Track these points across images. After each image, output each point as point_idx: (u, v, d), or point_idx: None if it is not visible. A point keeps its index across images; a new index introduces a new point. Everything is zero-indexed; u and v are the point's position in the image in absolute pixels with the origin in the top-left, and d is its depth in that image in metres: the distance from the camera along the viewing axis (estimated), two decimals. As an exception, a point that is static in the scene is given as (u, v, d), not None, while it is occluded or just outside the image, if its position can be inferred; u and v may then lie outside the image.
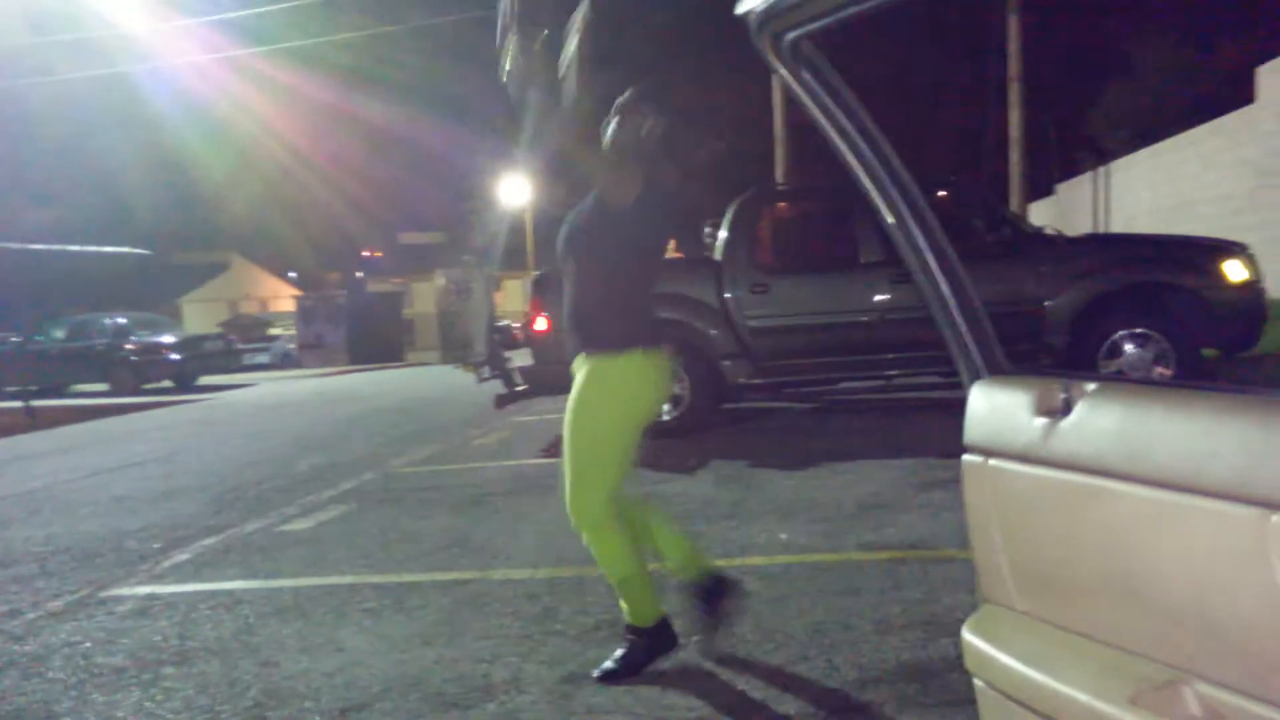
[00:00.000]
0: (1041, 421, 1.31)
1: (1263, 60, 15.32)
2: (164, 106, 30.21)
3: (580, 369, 2.82)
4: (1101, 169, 24.05)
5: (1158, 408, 1.17)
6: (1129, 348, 6.70)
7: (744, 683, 2.81)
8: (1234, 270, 6.77)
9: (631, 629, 2.91)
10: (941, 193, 7.68)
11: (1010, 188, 16.47)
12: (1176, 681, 1.14)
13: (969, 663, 1.47)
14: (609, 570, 2.87)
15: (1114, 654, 1.22)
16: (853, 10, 1.32)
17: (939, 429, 6.85)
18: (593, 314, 2.79)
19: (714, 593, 2.95)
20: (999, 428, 1.39)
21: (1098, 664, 1.23)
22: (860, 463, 5.83)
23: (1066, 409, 1.28)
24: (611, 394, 2.75)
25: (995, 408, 1.41)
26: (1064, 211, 25.83)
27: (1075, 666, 1.25)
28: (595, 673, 2.91)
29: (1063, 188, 28.00)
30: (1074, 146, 31.06)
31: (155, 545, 5.09)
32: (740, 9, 1.46)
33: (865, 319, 7.09)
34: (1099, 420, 1.23)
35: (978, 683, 1.46)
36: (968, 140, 30.77)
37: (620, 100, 2.83)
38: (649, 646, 2.90)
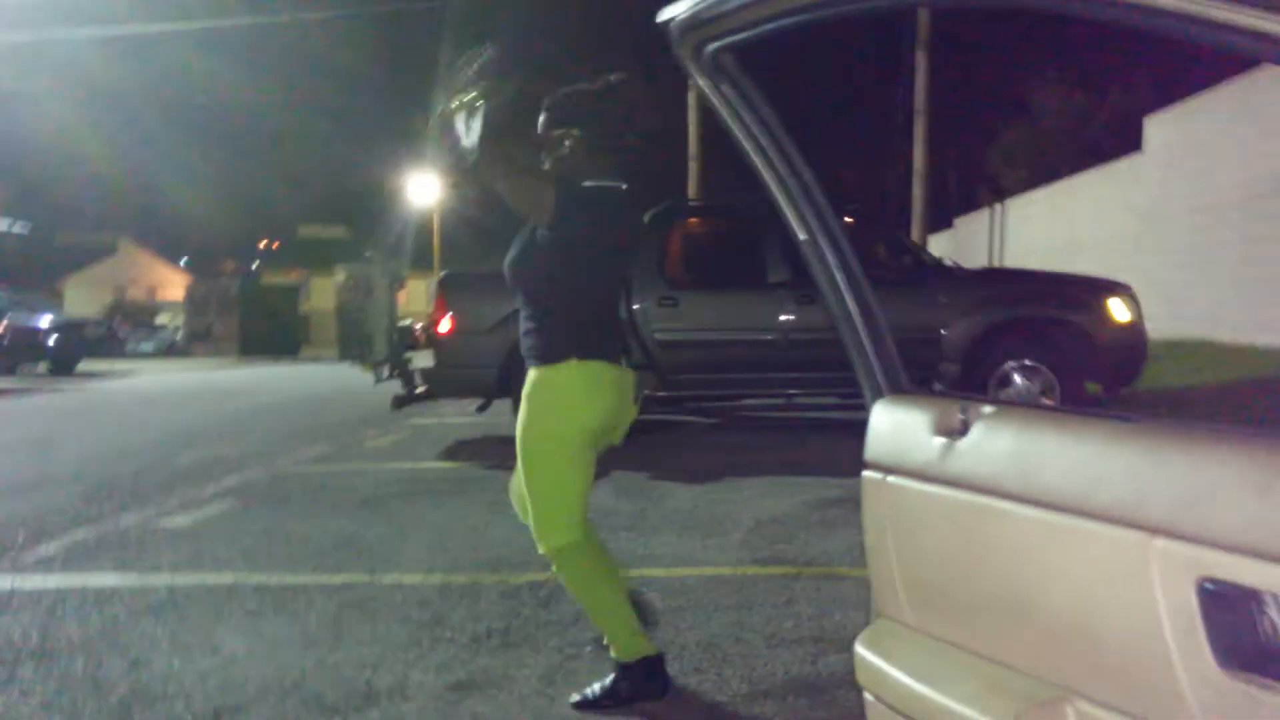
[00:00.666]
0: (939, 441, 1.33)
1: (1151, 109, 16.22)
2: (58, 76, 28.73)
3: (526, 386, 2.70)
4: (998, 205, 25.07)
5: (1051, 432, 1.20)
6: (1018, 378, 6.96)
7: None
8: (1118, 309, 7.11)
9: (616, 663, 2.70)
10: (847, 218, 7.87)
11: (913, 218, 17.00)
12: (1060, 700, 1.17)
13: (860, 676, 1.48)
14: (580, 597, 2.70)
15: (1000, 671, 1.25)
16: (772, 26, 1.33)
17: (837, 450, 6.98)
18: (534, 328, 2.70)
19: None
20: (898, 446, 1.41)
21: (984, 680, 1.25)
22: (759, 479, 5.89)
23: (964, 430, 1.30)
24: (553, 404, 2.62)
25: (896, 426, 1.43)
26: (961, 244, 26.83)
27: (963, 682, 1.27)
28: (573, 697, 2.72)
29: (961, 221, 29.09)
30: (973, 181, 32.30)
31: (19, 537, 4.80)
32: (662, 16, 1.45)
33: (770, 338, 7.19)
34: (994, 442, 1.25)
35: (868, 696, 1.47)
36: (872, 169, 31.70)
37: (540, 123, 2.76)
38: (633, 685, 2.68)
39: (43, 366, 17.33)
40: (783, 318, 7.19)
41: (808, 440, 7.57)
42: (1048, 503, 1.16)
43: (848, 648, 3.06)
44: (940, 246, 24.66)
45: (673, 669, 2.95)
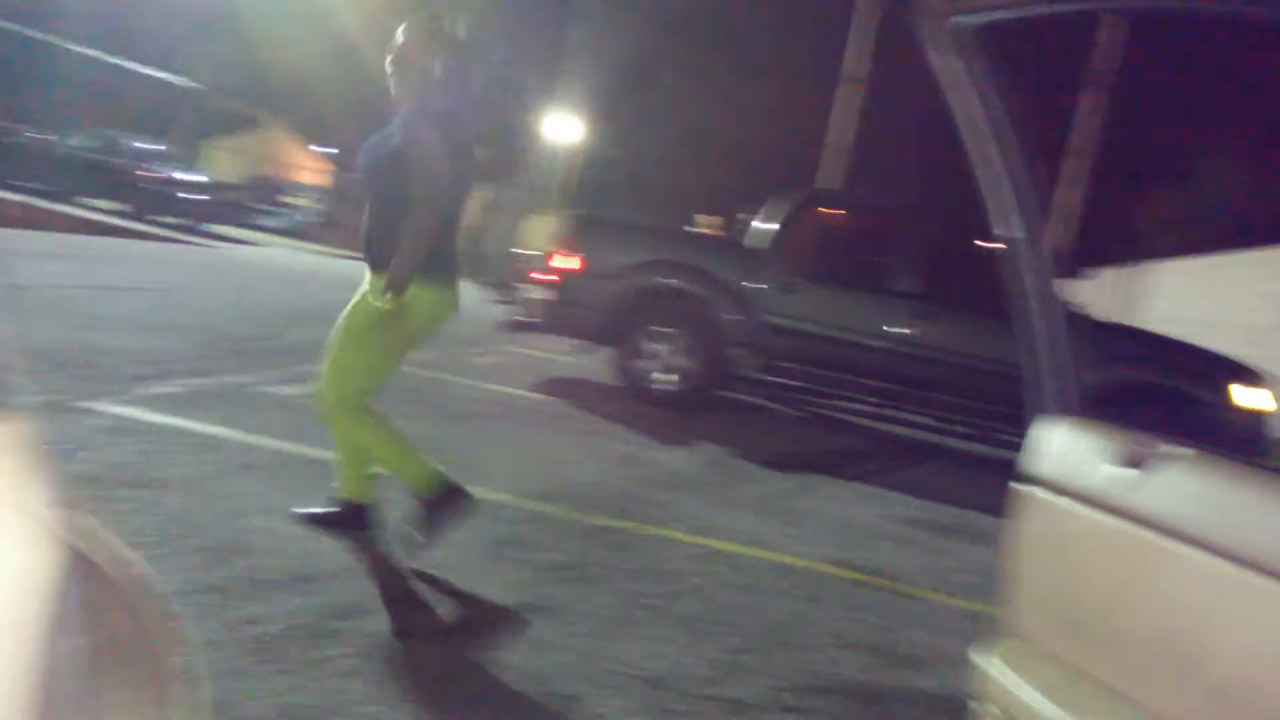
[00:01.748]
0: (1116, 470, 1.28)
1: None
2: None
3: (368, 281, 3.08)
4: (1131, 265, 24.01)
5: (1245, 483, 1.15)
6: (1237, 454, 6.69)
7: (693, 659, 2.80)
8: (1248, 396, 6.77)
9: (422, 501, 3.10)
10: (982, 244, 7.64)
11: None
12: None
13: (977, 686, 1.45)
14: (375, 451, 3.13)
15: (1135, 710, 1.21)
16: (1024, 12, 1.28)
17: (922, 471, 6.89)
18: (381, 237, 3.02)
19: (444, 502, 3.14)
20: (1069, 467, 1.37)
21: (1115, 716, 1.21)
22: (842, 482, 5.82)
23: (1140, 462, 1.26)
24: (387, 312, 2.95)
25: (1068, 447, 1.38)
26: (1085, 297, 25.78)
27: (1091, 712, 1.23)
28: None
29: (1091, 273, 27.94)
30: (1111, 237, 30.93)
31: (137, 371, 5.05)
32: None
33: (882, 345, 7.06)
34: (1177, 481, 1.20)
35: (976, 706, 1.44)
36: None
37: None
38: (443, 512, 3.11)
39: (173, 219, 18.11)
40: (900, 329, 7.04)
41: (895, 455, 7.44)
42: (1230, 554, 1.11)
43: (909, 665, 3.05)
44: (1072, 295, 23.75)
45: (731, 642, 2.96)
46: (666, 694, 2.53)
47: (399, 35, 3.04)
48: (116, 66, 20.20)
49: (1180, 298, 20.36)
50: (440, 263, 3.02)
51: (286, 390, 5.32)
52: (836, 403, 7.76)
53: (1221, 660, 1.13)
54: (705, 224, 9.19)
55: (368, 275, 3.12)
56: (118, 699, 0.49)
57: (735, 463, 5.82)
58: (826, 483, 5.72)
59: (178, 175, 18.19)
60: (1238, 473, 1.19)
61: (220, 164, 31.55)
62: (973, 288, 6.98)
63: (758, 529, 4.39)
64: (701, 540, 3.98)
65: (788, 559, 4.00)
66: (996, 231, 1.46)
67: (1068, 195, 17.15)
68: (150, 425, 4.09)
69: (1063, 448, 1.40)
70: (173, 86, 20.14)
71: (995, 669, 1.43)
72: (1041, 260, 1.43)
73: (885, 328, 7.06)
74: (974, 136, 1.42)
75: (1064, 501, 1.37)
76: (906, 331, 7.02)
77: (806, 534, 4.47)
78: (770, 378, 7.25)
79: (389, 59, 3.04)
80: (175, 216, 18.06)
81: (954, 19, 1.38)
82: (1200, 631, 1.15)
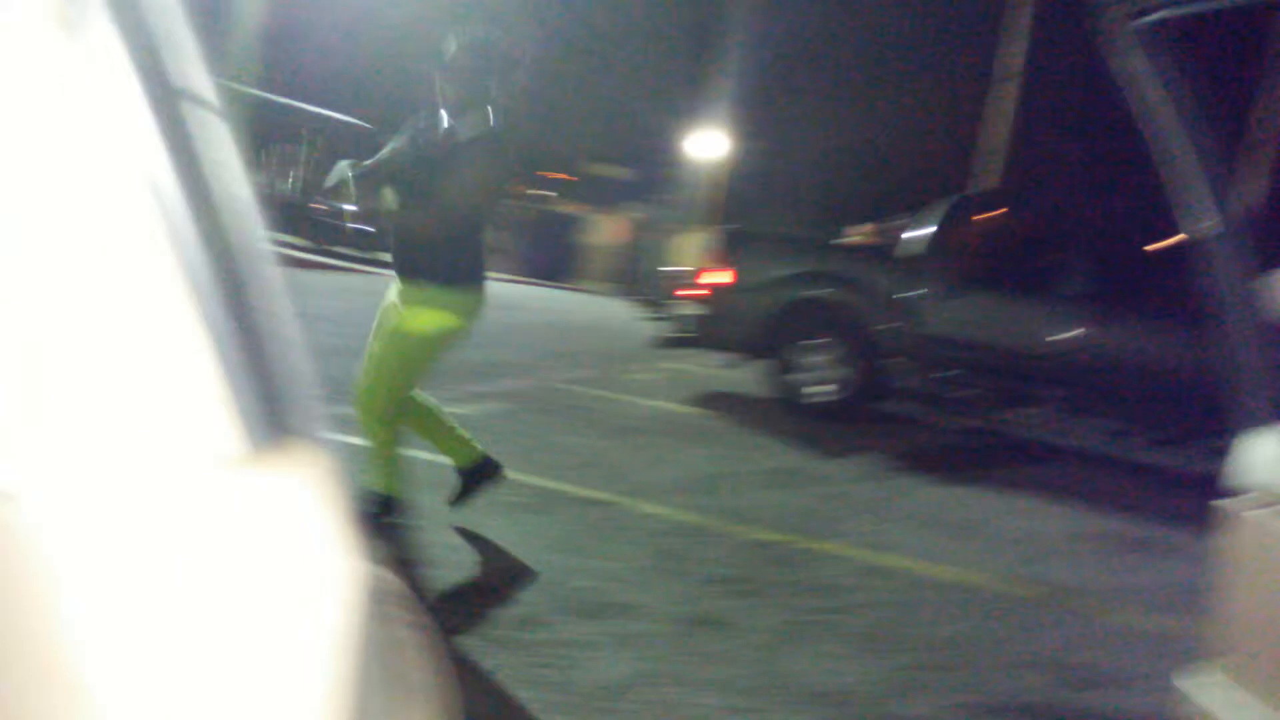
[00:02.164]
0: None
1: None
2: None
3: (412, 293, 3.09)
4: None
5: None
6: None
7: (863, 674, 2.77)
8: None
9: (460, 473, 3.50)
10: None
11: None
12: None
13: (1183, 712, 1.38)
14: (379, 451, 3.21)
15: None
16: (1208, 3, 1.24)
17: (1098, 483, 6.53)
18: (412, 242, 3.08)
19: (481, 471, 3.49)
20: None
21: None
22: (1012, 493, 5.60)
23: None
24: (434, 322, 3.08)
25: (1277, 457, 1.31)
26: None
27: None
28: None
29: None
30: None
31: (325, 394, 5.41)
32: None
33: (1055, 350, 6.74)
34: None
35: None
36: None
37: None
38: (479, 479, 3.54)
39: (351, 249, 19.29)
40: (1070, 333, 6.71)
41: (1072, 464, 7.09)
42: None
43: (1093, 686, 2.92)
44: None
45: (900, 660, 2.91)
46: (841, 711, 2.52)
47: (452, 44, 3.00)
48: (300, 109, 21.72)
49: None
50: (466, 269, 3.11)
51: (465, 409, 5.55)
52: (1002, 411, 7.47)
53: None
54: (857, 234, 9.07)
55: (396, 284, 3.17)
56: None
57: (897, 474, 5.70)
58: (996, 494, 5.51)
59: (347, 207, 19.39)
60: None
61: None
62: (1149, 286, 6.60)
63: (926, 543, 4.29)
64: (868, 555, 3.92)
65: (959, 574, 3.89)
66: (1189, 230, 1.40)
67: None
68: (334, 445, 4.38)
69: (1274, 458, 1.32)
70: (351, 126, 21.49)
71: (1205, 695, 1.36)
72: (1242, 258, 1.36)
73: (1051, 332, 6.74)
74: (1163, 134, 1.38)
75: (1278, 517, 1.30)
76: (1075, 334, 6.69)
77: (978, 547, 4.33)
78: (929, 387, 7.05)
79: (442, 67, 2.99)
80: (349, 247, 19.27)
81: (1135, 21, 1.34)
82: None
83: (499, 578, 3.07)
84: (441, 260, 3.04)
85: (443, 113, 3.05)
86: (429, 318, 3.07)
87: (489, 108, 3.03)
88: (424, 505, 3.66)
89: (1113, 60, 1.40)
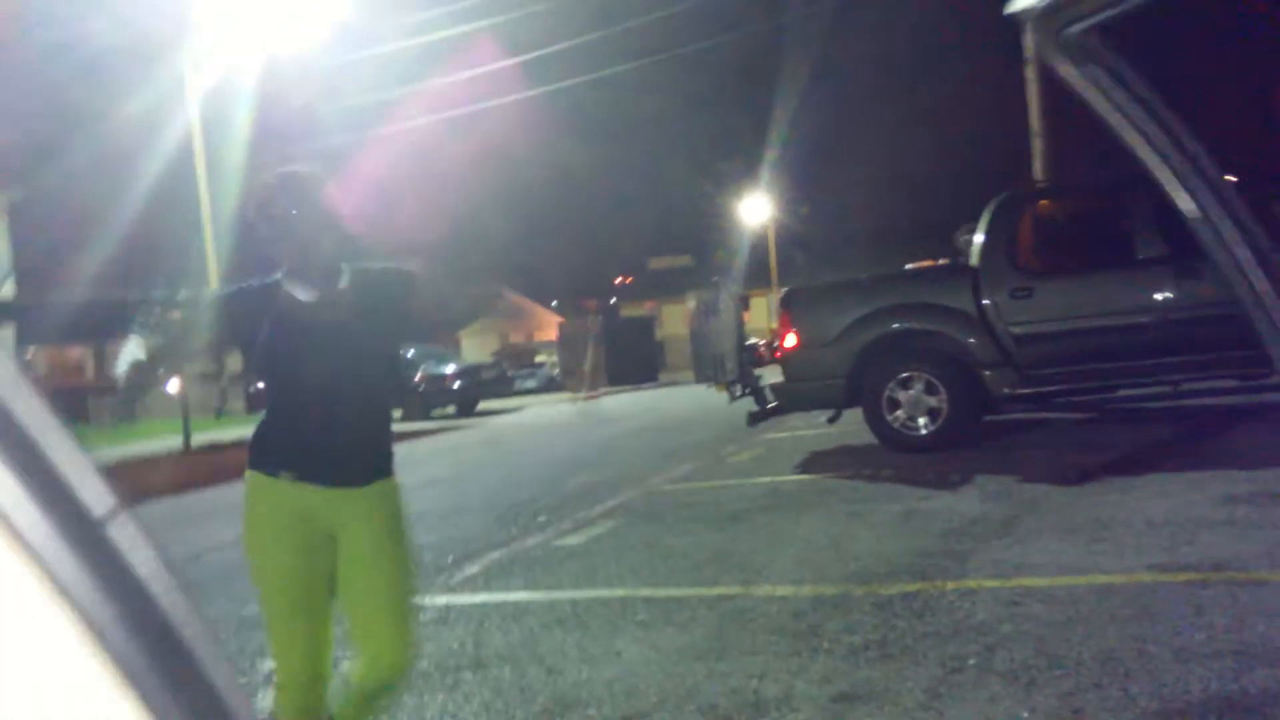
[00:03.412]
0: None
1: None
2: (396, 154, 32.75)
3: (382, 493, 2.32)
4: None
5: None
6: None
7: (1031, 711, 2.68)
8: None
9: None
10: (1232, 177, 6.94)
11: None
12: None
13: None
14: None
15: None
16: (1128, 6, 1.28)
17: (1242, 438, 6.20)
18: (387, 429, 2.42)
19: None
20: None
21: None
22: (1147, 477, 5.37)
23: None
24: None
25: None
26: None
27: None
28: None
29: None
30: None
31: (449, 559, 5.57)
32: (1013, 8, 1.43)
33: (1144, 320, 6.52)
34: None
35: None
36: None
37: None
38: None
39: (451, 408, 19.89)
40: (1159, 295, 6.50)
41: (1204, 430, 6.76)
42: None
43: (1272, 661, 2.74)
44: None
45: (1067, 684, 2.81)
46: (1008, 755, 2.44)
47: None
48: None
49: None
50: None
51: (571, 540, 5.67)
52: (1109, 394, 7.22)
53: None
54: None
55: (339, 494, 2.26)
56: None
57: (1021, 488, 5.53)
58: (1125, 483, 5.29)
59: (446, 369, 20.13)
60: None
61: (475, 345, 34.63)
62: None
63: (1064, 554, 4.14)
64: (1005, 582, 3.80)
65: (1106, 578, 3.74)
66: (1185, 213, 1.41)
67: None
68: (467, 607, 4.50)
69: None
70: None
71: None
72: (1243, 227, 1.36)
73: (1136, 300, 6.53)
74: (1128, 132, 1.40)
75: None
76: (1161, 297, 6.47)
77: (1119, 545, 4.15)
78: (1030, 389, 6.87)
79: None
80: (450, 406, 19.91)
81: (1069, 30, 1.39)
82: None
83: (646, 702, 3.08)
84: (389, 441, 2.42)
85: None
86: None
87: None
88: (563, 646, 3.72)
89: (1057, 74, 1.44)
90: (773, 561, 4.63)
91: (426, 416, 19.08)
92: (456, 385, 19.73)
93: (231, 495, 2.49)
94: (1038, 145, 15.41)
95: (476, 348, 33.50)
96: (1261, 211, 6.56)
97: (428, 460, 11.42)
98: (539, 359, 27.64)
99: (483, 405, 21.04)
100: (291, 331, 2.22)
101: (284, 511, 2.23)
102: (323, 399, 2.22)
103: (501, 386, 21.72)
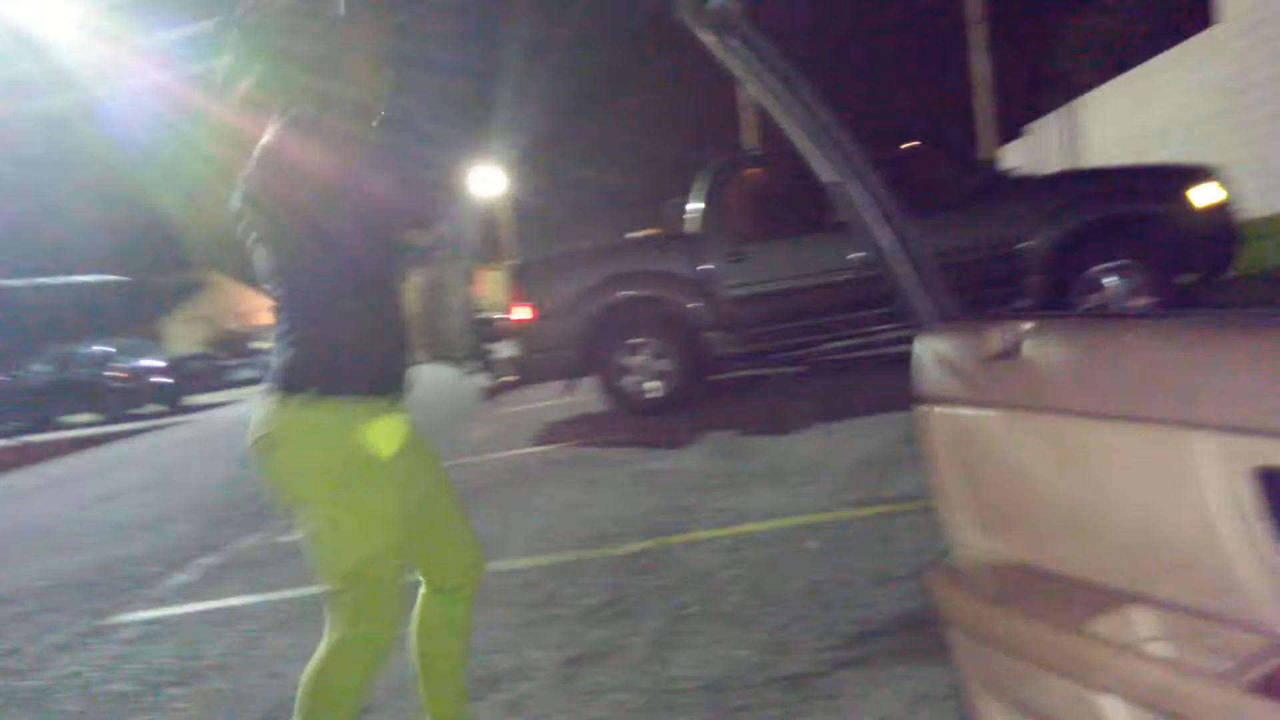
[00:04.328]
0: (985, 364, 1.32)
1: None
2: (114, 132, 29.88)
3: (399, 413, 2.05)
4: (1067, 106, 24.05)
5: (1096, 338, 1.19)
6: (1105, 282, 6.72)
7: (744, 648, 2.83)
8: (1203, 194, 6.79)
9: None
10: (911, 143, 7.66)
11: (979, 132, 16.46)
12: (1130, 606, 1.16)
13: (938, 606, 1.49)
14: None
15: (1069, 585, 1.25)
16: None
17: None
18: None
19: None
20: (945, 375, 1.41)
21: (1054, 596, 1.25)
22: (849, 421, 5.86)
23: (1011, 350, 1.30)
24: None
25: (941, 356, 1.43)
26: (1036, 151, 25.85)
27: (1032, 600, 1.27)
28: None
29: (1034, 127, 28.00)
30: (1042, 86, 31.01)
31: (154, 569, 5.10)
32: None
33: (842, 278, 7.08)
34: (1039, 356, 1.24)
35: (948, 625, 1.48)
36: (935, 84, 30.77)
37: None
38: None
39: (154, 406, 18.22)
40: (851, 255, 7.07)
41: (894, 376, 7.46)
42: (1098, 412, 1.15)
43: (952, 578, 3.07)
44: (1013, 157, 23.81)
45: (778, 618, 2.99)
46: (726, 694, 2.56)
47: None
48: (44, 285, 20.40)
49: (1126, 117, 20.40)
50: None
51: (290, 538, 5.35)
52: (817, 348, 7.79)
53: (1117, 510, 1.16)
54: (639, 233, 9.31)
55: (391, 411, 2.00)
56: None
57: (741, 442, 5.86)
58: (831, 429, 5.75)
59: (144, 363, 18.35)
60: (1079, 329, 1.23)
61: (183, 336, 31.84)
62: (913, 190, 7.02)
63: (776, 498, 4.42)
64: (725, 531, 4.01)
65: (814, 517, 4.03)
66: (821, 178, 1.50)
67: (981, 64, 17.21)
68: (178, 618, 4.13)
69: (936, 358, 1.44)
70: (106, 285, 20.38)
71: (941, 584, 1.47)
72: (871, 190, 1.47)
73: (833, 260, 7.07)
74: (769, 101, 1.47)
75: (951, 410, 1.41)
76: (853, 256, 7.05)
77: (826, 485, 4.50)
78: (748, 349, 7.28)
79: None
80: (153, 403, 18.20)
81: (711, 2, 1.43)
82: (1094, 491, 1.19)
83: (377, 694, 2.95)
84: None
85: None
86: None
87: None
88: (286, 650, 3.49)
89: (706, 46, 1.48)
90: (510, 535, 4.60)
91: (127, 417, 17.40)
92: (161, 380, 18.08)
93: None
94: (748, 117, 16.27)
95: (183, 337, 30.84)
96: (929, 174, 7.22)
97: (128, 464, 10.39)
98: (255, 346, 25.81)
99: (194, 400, 19.46)
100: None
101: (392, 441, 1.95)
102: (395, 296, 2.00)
103: (212, 378, 20.13)
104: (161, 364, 18.66)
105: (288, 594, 4.22)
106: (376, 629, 1.95)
